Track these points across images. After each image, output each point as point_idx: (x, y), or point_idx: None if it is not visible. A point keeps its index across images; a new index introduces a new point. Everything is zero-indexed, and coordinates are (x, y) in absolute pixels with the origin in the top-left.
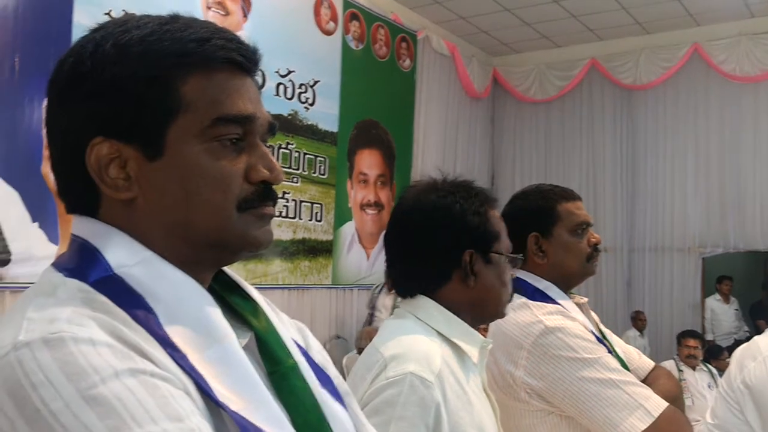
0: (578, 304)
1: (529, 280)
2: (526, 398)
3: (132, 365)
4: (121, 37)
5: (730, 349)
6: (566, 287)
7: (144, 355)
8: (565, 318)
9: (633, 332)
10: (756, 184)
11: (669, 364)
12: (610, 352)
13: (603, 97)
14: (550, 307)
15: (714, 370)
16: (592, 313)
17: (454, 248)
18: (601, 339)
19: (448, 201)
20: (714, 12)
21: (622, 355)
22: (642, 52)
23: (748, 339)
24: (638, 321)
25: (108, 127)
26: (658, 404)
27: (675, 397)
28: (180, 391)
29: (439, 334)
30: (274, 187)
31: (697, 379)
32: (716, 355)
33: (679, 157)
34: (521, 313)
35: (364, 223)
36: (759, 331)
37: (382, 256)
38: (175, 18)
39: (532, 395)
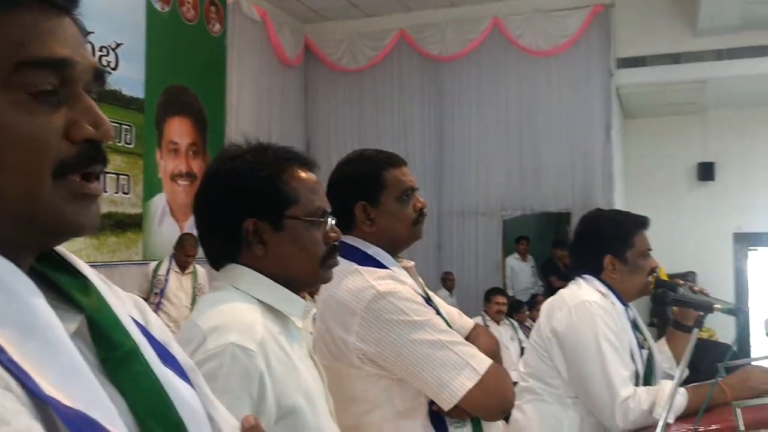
0: (406, 268)
1: (358, 246)
2: (358, 364)
3: None
4: None
5: (528, 304)
6: (394, 252)
7: None
8: (396, 282)
9: (443, 292)
10: (549, 152)
11: (476, 321)
12: (438, 314)
13: (412, 67)
14: (380, 272)
15: (516, 324)
16: (418, 277)
17: (235, 217)
18: (429, 301)
19: (233, 166)
20: None
21: (446, 316)
22: (448, 24)
23: (543, 293)
24: (447, 281)
25: None
26: (483, 362)
27: (494, 353)
28: (1, 390)
29: (260, 302)
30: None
31: (501, 333)
32: (517, 310)
33: (483, 126)
34: (352, 279)
35: (176, 194)
36: (551, 287)
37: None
38: None
39: (365, 360)
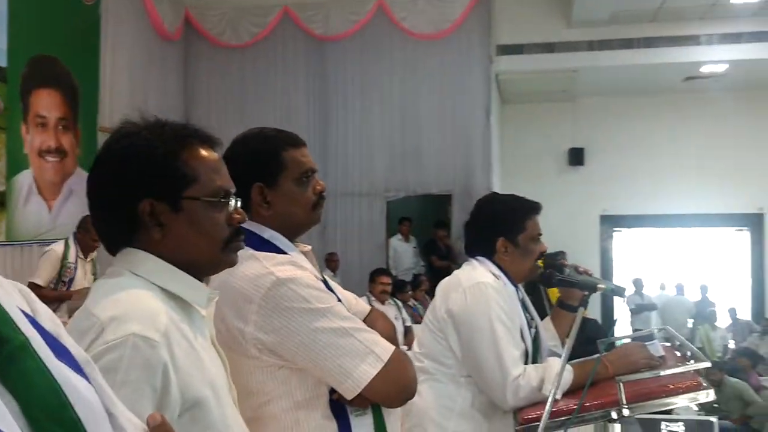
0: (304, 253)
1: (255, 230)
2: (255, 354)
3: None
4: None
5: (411, 284)
6: (292, 236)
7: None
8: (296, 268)
9: (328, 273)
10: (431, 135)
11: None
12: (339, 300)
13: (296, 46)
14: (279, 257)
15: (400, 303)
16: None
17: (130, 198)
18: (329, 287)
19: (127, 144)
20: None
21: (344, 301)
22: (332, 3)
23: (425, 273)
24: (332, 262)
25: None
26: (386, 349)
27: (392, 337)
28: None
29: (161, 288)
30: None
31: (386, 313)
32: (401, 290)
33: (367, 108)
34: (249, 265)
35: (44, 171)
36: (432, 267)
37: (67, 208)
38: None
39: (263, 351)
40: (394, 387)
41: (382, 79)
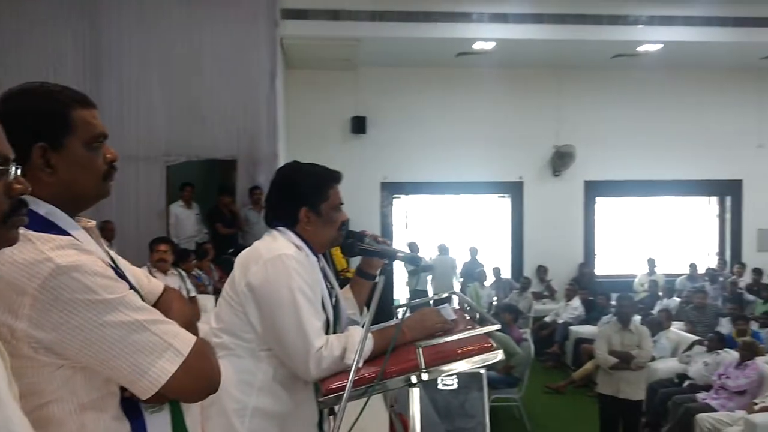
0: (87, 229)
1: (29, 205)
2: (29, 353)
3: None
4: None
5: (196, 253)
6: (75, 210)
7: None
8: (79, 252)
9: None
10: (215, 98)
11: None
12: (132, 288)
13: None
14: (59, 239)
15: (183, 273)
16: (101, 238)
17: None
18: (119, 271)
19: None
20: None
21: (133, 281)
22: None
23: (209, 241)
24: (107, 231)
25: None
26: (186, 340)
27: (191, 321)
28: None
29: None
30: None
31: (169, 284)
32: (184, 259)
33: (145, 63)
34: (21, 248)
35: None
36: (216, 234)
37: None
38: None
39: (39, 350)
40: (195, 382)
41: (161, 36)
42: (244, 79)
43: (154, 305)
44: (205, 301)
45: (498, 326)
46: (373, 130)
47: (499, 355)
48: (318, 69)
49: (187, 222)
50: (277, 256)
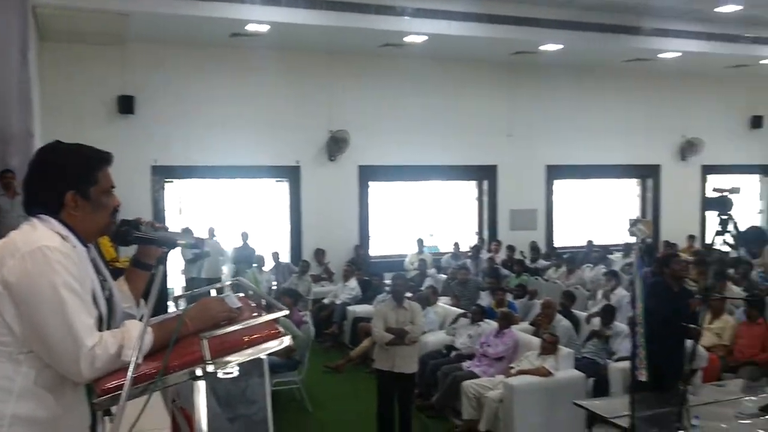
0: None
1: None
2: None
3: None
4: None
5: None
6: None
7: None
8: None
9: None
10: None
11: None
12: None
13: None
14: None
15: None
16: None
17: None
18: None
19: None
20: None
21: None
22: None
23: None
24: None
25: None
26: None
27: None
28: None
29: None
30: None
31: None
32: None
33: None
34: None
35: None
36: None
37: None
38: None
39: None
40: None
41: None
42: None
43: None
44: None
45: (286, 311)
46: (142, 110)
47: (286, 341)
48: (80, 42)
49: None
50: (37, 248)
